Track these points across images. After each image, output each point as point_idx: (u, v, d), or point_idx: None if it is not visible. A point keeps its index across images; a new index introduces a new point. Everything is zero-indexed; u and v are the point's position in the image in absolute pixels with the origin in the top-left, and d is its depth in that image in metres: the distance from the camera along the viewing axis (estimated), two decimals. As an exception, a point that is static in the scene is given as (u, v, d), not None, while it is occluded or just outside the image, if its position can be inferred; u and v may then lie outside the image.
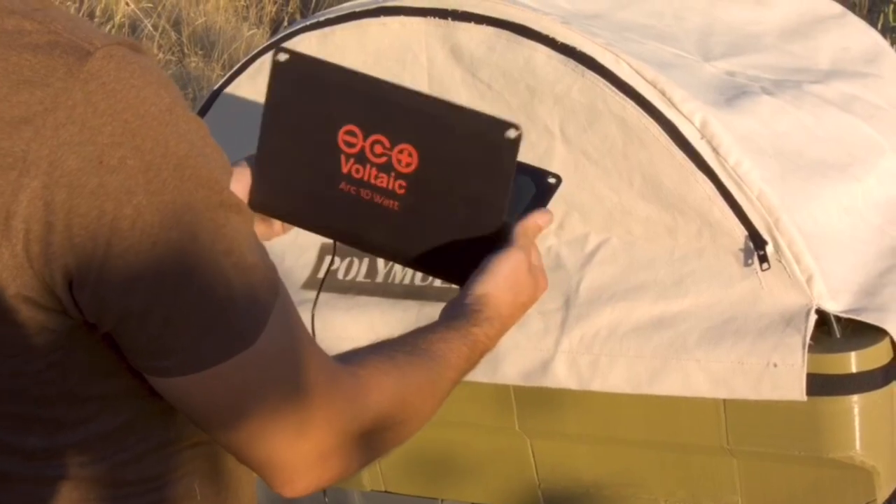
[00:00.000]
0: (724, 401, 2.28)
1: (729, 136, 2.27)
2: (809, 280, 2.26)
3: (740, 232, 2.27)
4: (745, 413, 2.28)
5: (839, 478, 2.30)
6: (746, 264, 2.28)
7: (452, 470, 2.58)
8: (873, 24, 5.42)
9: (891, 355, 2.29)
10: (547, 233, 2.33)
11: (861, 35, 2.99)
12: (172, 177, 1.04)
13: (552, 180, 1.56)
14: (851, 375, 2.26)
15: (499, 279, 1.42)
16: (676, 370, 2.28)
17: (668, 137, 2.27)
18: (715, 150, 2.27)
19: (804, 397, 2.21)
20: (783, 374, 2.22)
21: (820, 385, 2.24)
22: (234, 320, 1.10)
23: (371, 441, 1.24)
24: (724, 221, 2.28)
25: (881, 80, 2.85)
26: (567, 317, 2.37)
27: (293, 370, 1.15)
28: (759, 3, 2.91)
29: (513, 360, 2.37)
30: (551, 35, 2.34)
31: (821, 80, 2.70)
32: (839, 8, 3.04)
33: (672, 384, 2.28)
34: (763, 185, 2.27)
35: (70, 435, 1.20)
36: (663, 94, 2.28)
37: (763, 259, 2.26)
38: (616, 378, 2.31)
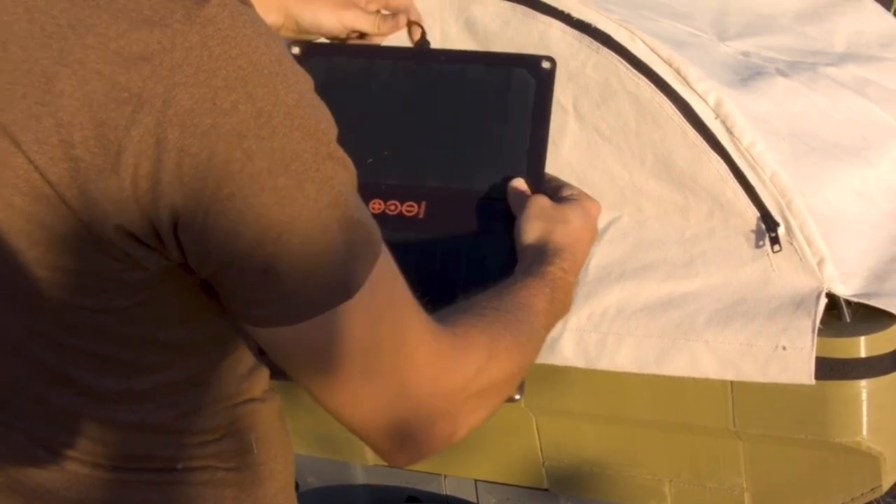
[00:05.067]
0: (732, 383, 2.27)
1: (743, 117, 2.25)
2: (820, 263, 2.24)
3: (752, 213, 2.26)
4: (752, 395, 2.26)
5: (845, 463, 2.29)
6: (757, 246, 2.26)
7: (456, 446, 2.59)
8: (887, 8, 5.40)
9: (900, 341, 2.28)
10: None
11: (877, 19, 2.97)
12: (282, 124, 1.06)
13: (547, 65, 1.55)
14: (860, 360, 2.24)
15: (537, 221, 1.47)
16: (684, 351, 2.26)
17: (681, 116, 2.25)
18: (729, 131, 2.25)
19: (812, 381, 2.20)
20: (792, 358, 2.21)
21: (828, 369, 2.22)
22: (335, 273, 1.10)
23: (474, 401, 1.24)
24: (736, 202, 2.26)
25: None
26: (575, 294, 2.35)
27: (394, 328, 1.15)
28: (774, -17, 2.89)
29: (520, 337, 2.36)
30: (566, 10, 2.31)
31: (835, 62, 2.67)
32: (855, -10, 3.02)
33: (679, 365, 2.27)
34: (776, 166, 2.26)
35: (142, 380, 1.23)
36: (678, 72, 2.26)
37: (774, 241, 2.24)
38: (623, 357, 2.30)
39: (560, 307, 1.42)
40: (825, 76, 2.60)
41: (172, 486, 1.30)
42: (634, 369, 2.29)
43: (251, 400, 1.33)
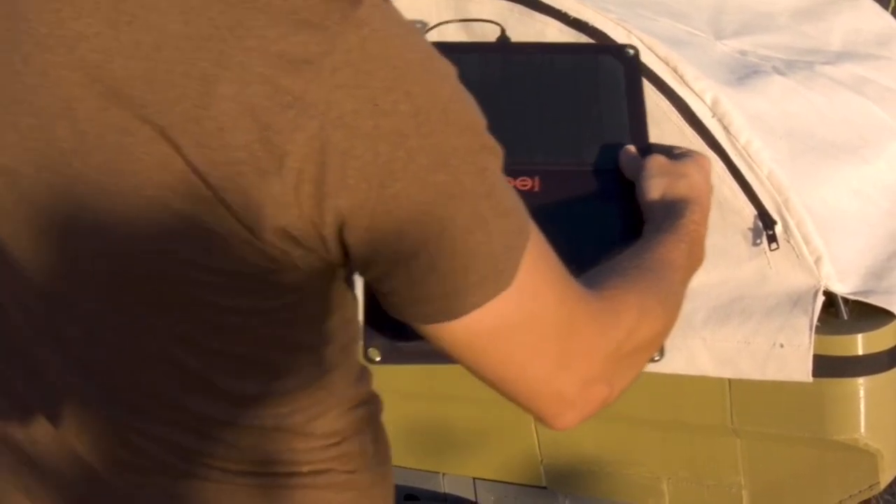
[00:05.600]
0: (730, 380, 2.28)
1: (740, 115, 2.26)
2: (818, 261, 2.25)
3: (750, 211, 2.26)
4: (750, 393, 2.27)
5: (843, 460, 2.29)
6: (755, 244, 2.27)
7: (454, 444, 2.57)
8: (885, 7, 5.40)
9: (898, 338, 2.29)
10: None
11: (874, 17, 2.97)
12: (440, 120, 1.05)
13: (631, 52, 1.66)
14: (858, 358, 2.25)
15: (659, 178, 1.46)
16: (682, 349, 2.27)
17: (678, 115, 2.26)
18: (726, 129, 2.25)
19: (810, 378, 2.20)
20: (789, 355, 2.21)
21: (826, 367, 2.23)
22: (495, 263, 1.10)
23: (627, 361, 1.24)
24: (733, 200, 2.27)
25: (893, 62, 2.83)
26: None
27: (550, 305, 1.15)
28: (771, -18, 2.90)
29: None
30: (563, 9, 2.32)
31: (832, 61, 2.68)
32: (853, -10, 3.03)
33: (677, 363, 2.27)
34: (773, 164, 2.26)
35: (281, 383, 1.24)
36: (675, 71, 2.27)
37: (772, 239, 2.24)
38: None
39: (695, 260, 1.43)
40: (822, 75, 2.60)
41: (297, 490, 1.31)
42: (632, 367, 2.29)
43: (366, 402, 1.35)
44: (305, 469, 1.30)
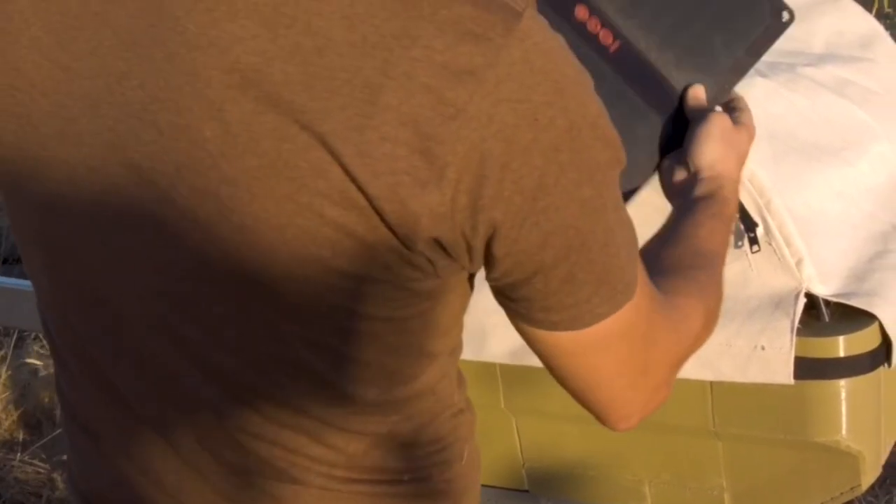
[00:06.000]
0: (711, 383, 2.27)
1: (721, 118, 2.26)
2: (799, 263, 2.24)
3: (731, 213, 2.26)
4: (731, 395, 2.27)
5: (824, 462, 2.29)
6: (736, 246, 2.26)
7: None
8: (868, 9, 5.41)
9: (879, 340, 2.28)
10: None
11: (857, 19, 2.98)
12: (590, 136, 1.08)
13: (786, 17, 1.72)
14: (839, 360, 2.25)
15: (717, 143, 1.53)
16: (664, 351, 2.27)
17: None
18: (707, 131, 2.25)
19: (791, 381, 2.20)
20: (771, 358, 2.21)
21: (807, 369, 2.23)
22: (622, 276, 1.15)
23: (684, 362, 1.32)
24: (714, 203, 2.27)
25: (876, 64, 2.83)
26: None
27: (643, 315, 1.20)
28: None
29: (499, 338, 2.35)
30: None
31: (815, 63, 2.68)
32: (836, -9, 3.03)
33: (658, 365, 2.27)
34: (755, 166, 2.26)
35: (402, 389, 1.25)
36: (657, 73, 2.27)
37: (753, 241, 2.24)
38: (602, 358, 2.30)
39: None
40: (805, 76, 2.60)
41: (397, 499, 1.32)
42: (614, 370, 2.29)
43: (463, 410, 1.37)
44: (406, 477, 1.31)
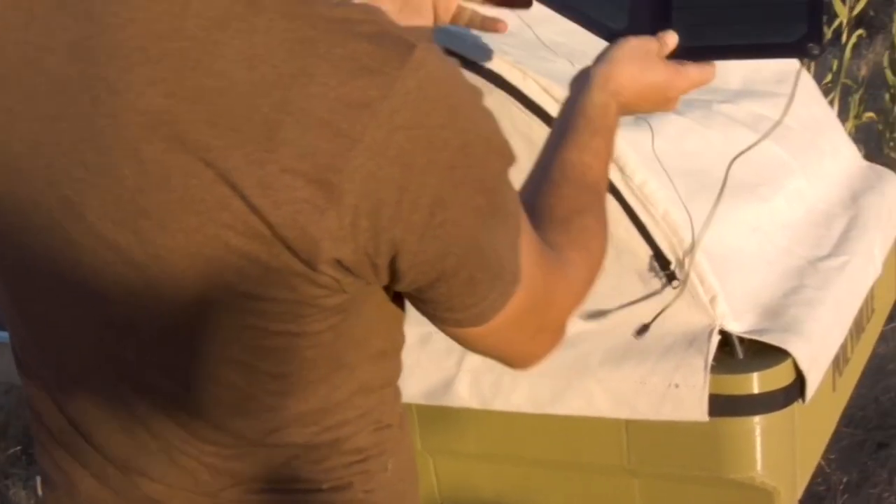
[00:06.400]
0: (627, 421, 2.28)
1: (635, 156, 2.27)
2: (713, 300, 2.26)
3: (645, 252, 2.27)
4: (647, 433, 2.27)
5: (740, 498, 2.30)
6: (651, 284, 2.27)
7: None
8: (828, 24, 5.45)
9: (793, 376, 2.30)
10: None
11: (773, 55, 3.00)
12: (483, 151, 1.14)
13: (815, 52, 1.67)
14: (753, 396, 2.26)
15: (626, 58, 1.55)
16: (578, 390, 2.27)
17: (573, 156, 2.26)
18: (621, 170, 2.26)
19: (706, 418, 2.21)
20: (685, 395, 2.22)
21: (722, 406, 2.24)
22: (512, 269, 1.23)
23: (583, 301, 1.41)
24: (629, 241, 2.28)
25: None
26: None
27: (539, 283, 1.28)
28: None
29: (416, 379, 2.36)
30: (459, 51, 2.32)
31: (731, 99, 2.70)
32: (753, 27, 3.05)
33: (574, 404, 2.27)
34: (668, 204, 2.28)
35: (319, 399, 1.30)
36: (570, 112, 2.27)
37: (667, 279, 2.25)
38: (518, 397, 2.31)
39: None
40: (720, 113, 2.62)
41: None
42: (530, 409, 2.29)
43: (391, 426, 1.41)
44: (325, 486, 1.35)
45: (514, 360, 1.38)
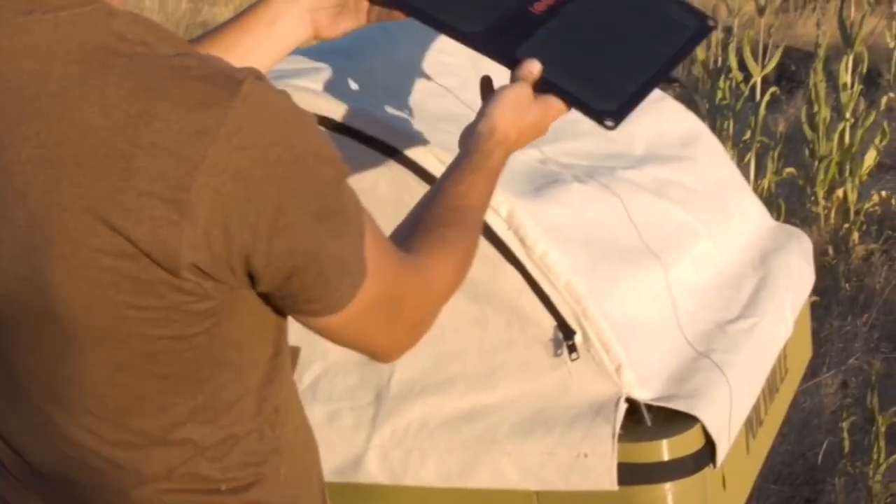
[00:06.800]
0: (537, 492, 2.27)
1: (536, 227, 2.27)
2: (618, 369, 2.25)
3: (549, 322, 2.27)
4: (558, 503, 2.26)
5: (653, 566, 2.29)
6: (556, 354, 2.27)
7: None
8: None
9: (703, 441, 2.30)
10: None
11: (678, 118, 3.02)
12: (314, 162, 1.36)
13: (711, 23, 2.10)
14: (664, 463, 2.26)
15: (507, 109, 1.81)
16: (487, 463, 2.26)
17: (475, 229, 2.26)
18: (522, 241, 2.26)
19: (615, 487, 2.21)
20: (594, 465, 2.22)
21: (632, 474, 2.23)
22: (356, 262, 1.43)
23: (442, 306, 1.65)
24: (532, 312, 2.27)
25: (697, 162, 2.87)
26: (379, 411, 2.34)
27: (390, 279, 1.50)
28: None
29: (325, 456, 2.30)
30: (357, 127, 2.32)
31: (635, 165, 2.71)
32: (657, 92, 3.06)
33: (483, 477, 2.26)
34: (571, 274, 2.27)
35: (208, 396, 1.47)
36: (471, 185, 2.27)
37: (572, 349, 2.25)
38: (428, 472, 2.29)
39: (492, 192, 1.79)
40: (624, 180, 2.63)
41: None
42: (439, 484, 2.28)
43: (285, 433, 1.58)
44: (223, 487, 1.52)
45: (378, 351, 1.58)
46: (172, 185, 1.30)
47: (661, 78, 2.06)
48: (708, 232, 2.69)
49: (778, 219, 5.27)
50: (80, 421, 1.48)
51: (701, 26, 2.10)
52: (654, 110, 2.94)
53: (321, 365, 2.42)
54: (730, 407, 2.38)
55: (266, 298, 1.45)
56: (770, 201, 5.34)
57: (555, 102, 1.84)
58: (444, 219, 1.68)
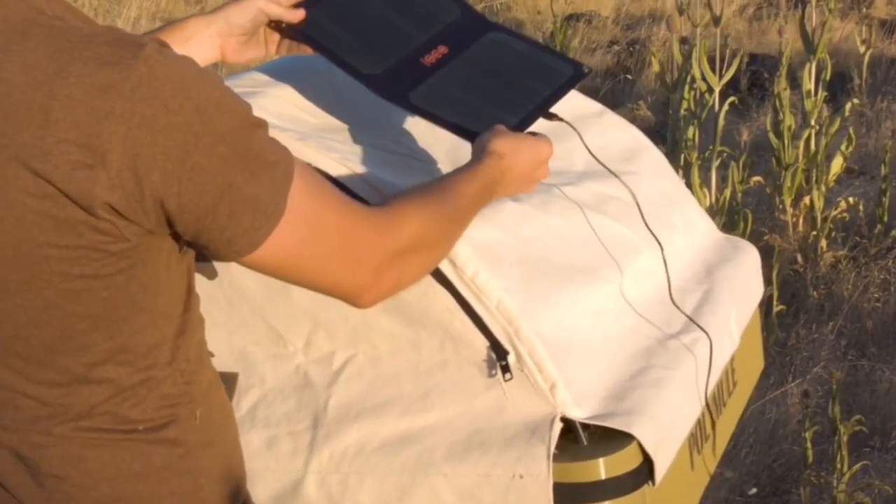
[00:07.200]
0: (476, 514, 2.26)
1: (466, 247, 2.26)
2: (553, 388, 2.25)
3: (482, 343, 2.26)
4: (497, 524, 2.25)
5: (593, 586, 2.28)
6: (490, 375, 2.26)
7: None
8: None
9: (640, 459, 2.28)
10: (296, 350, 2.31)
11: (620, 132, 3.01)
12: (216, 111, 1.54)
13: (585, 69, 2.49)
14: (601, 482, 2.25)
15: (498, 139, 2.12)
16: (424, 486, 2.25)
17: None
18: (452, 262, 2.25)
19: (552, 507, 2.20)
20: (529, 485, 2.21)
21: (568, 494, 2.23)
22: (270, 201, 1.59)
23: (412, 256, 1.82)
24: (465, 333, 2.27)
25: (638, 176, 2.85)
26: (316, 436, 2.34)
27: (330, 222, 1.67)
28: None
29: (264, 483, 2.33)
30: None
31: (574, 181, 2.69)
32: (598, 106, 3.06)
33: (421, 500, 2.25)
34: (503, 294, 2.27)
35: (126, 338, 1.64)
36: (401, 207, 2.26)
37: (505, 369, 2.24)
38: (366, 496, 2.28)
39: (489, 194, 2.08)
40: (562, 197, 2.62)
41: (135, 444, 1.68)
42: (378, 508, 2.27)
43: (199, 382, 1.74)
44: (141, 427, 1.68)
45: (344, 291, 1.75)
46: (86, 133, 1.49)
47: (540, 113, 2.37)
48: (649, 247, 2.68)
49: (745, 228, 5.29)
50: (8, 363, 1.64)
51: (576, 72, 2.46)
52: (596, 124, 2.93)
53: (258, 391, 2.41)
54: (668, 423, 2.37)
55: (188, 247, 1.64)
56: (736, 211, 5.34)
57: (545, 142, 2.19)
58: (434, 196, 1.92)
